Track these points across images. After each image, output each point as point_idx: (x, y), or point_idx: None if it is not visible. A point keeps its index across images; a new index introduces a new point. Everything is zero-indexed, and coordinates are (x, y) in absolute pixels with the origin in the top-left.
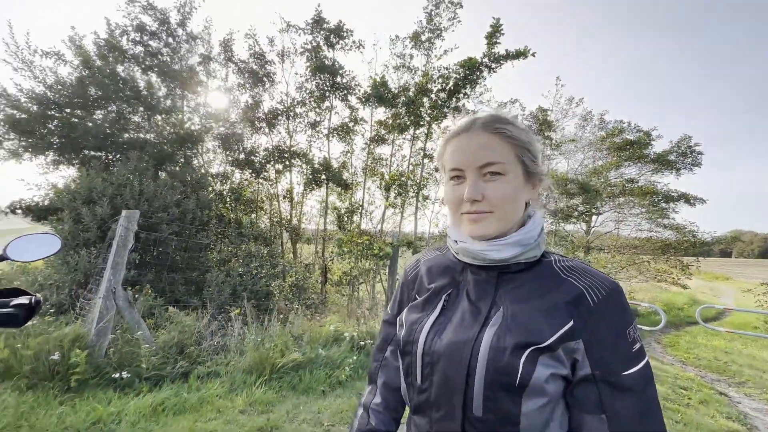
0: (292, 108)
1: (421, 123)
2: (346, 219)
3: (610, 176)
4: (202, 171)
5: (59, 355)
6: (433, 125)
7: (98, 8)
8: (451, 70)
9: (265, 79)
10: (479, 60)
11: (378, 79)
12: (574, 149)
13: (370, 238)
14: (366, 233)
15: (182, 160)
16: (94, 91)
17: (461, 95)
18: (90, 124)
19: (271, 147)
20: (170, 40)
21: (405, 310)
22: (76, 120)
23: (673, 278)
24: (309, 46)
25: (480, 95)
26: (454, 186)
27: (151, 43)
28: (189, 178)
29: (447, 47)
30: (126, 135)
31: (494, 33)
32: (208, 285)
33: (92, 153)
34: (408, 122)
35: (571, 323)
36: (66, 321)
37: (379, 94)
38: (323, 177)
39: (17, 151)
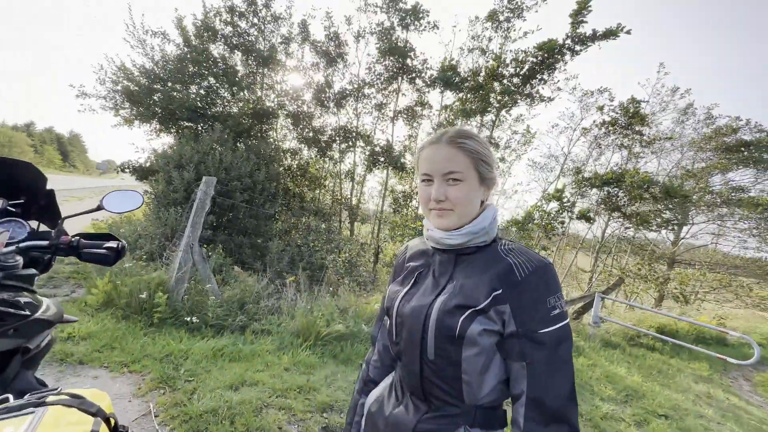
0: (360, 89)
1: (489, 109)
2: (402, 202)
3: (713, 181)
4: (275, 146)
5: (146, 294)
6: (503, 112)
7: None
8: (528, 53)
9: (338, 59)
10: (560, 42)
11: (446, 63)
12: (669, 147)
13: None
14: (422, 218)
15: (258, 134)
16: (191, 67)
17: (537, 80)
18: (185, 98)
19: (337, 126)
20: (255, 20)
21: (390, 284)
22: (175, 93)
23: None
24: (381, 27)
25: (557, 82)
26: (424, 187)
27: (239, 23)
28: (262, 152)
29: (529, 29)
30: (214, 108)
31: (580, 10)
32: (270, 252)
33: (186, 123)
34: (475, 108)
35: (501, 291)
36: (154, 267)
37: (446, 78)
38: (382, 159)
39: (130, 119)
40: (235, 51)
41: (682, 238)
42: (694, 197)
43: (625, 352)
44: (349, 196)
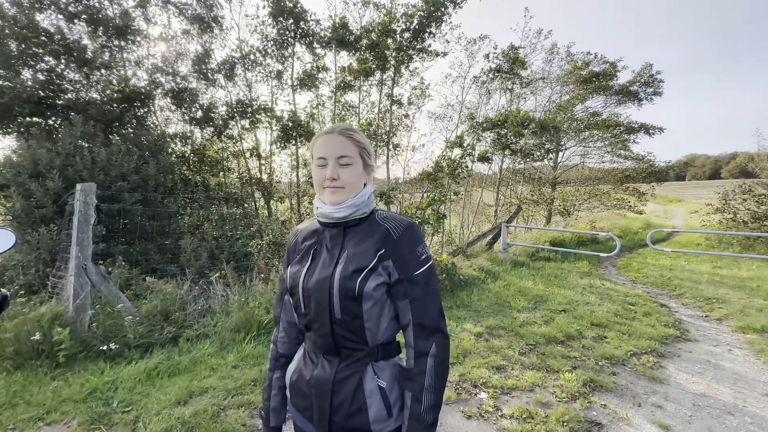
0: (247, 56)
1: (387, 67)
2: None
3: (576, 110)
4: (159, 132)
5: (40, 334)
6: (401, 68)
7: None
8: (416, 8)
9: (212, 23)
10: None
11: (338, 21)
12: (542, 85)
13: None
14: None
15: (134, 121)
16: (15, 45)
17: (427, 34)
18: (19, 87)
19: (231, 101)
20: None
21: (289, 266)
22: (1, 82)
23: (631, 206)
24: None
25: (445, 34)
26: (320, 169)
27: None
28: (145, 142)
29: None
30: (65, 96)
31: None
32: (183, 251)
33: (29, 119)
34: (374, 66)
35: (384, 250)
36: (40, 300)
37: (341, 37)
38: (294, 133)
39: None
40: (76, 21)
41: (560, 162)
42: (564, 126)
43: (530, 268)
44: (258, 175)
